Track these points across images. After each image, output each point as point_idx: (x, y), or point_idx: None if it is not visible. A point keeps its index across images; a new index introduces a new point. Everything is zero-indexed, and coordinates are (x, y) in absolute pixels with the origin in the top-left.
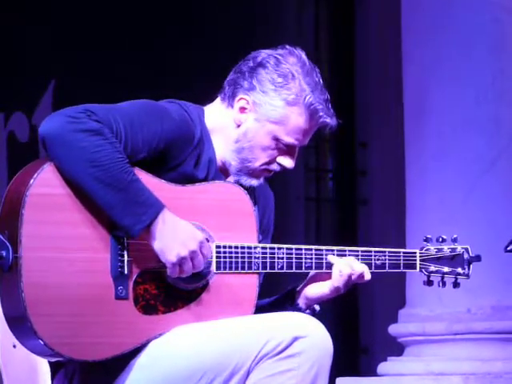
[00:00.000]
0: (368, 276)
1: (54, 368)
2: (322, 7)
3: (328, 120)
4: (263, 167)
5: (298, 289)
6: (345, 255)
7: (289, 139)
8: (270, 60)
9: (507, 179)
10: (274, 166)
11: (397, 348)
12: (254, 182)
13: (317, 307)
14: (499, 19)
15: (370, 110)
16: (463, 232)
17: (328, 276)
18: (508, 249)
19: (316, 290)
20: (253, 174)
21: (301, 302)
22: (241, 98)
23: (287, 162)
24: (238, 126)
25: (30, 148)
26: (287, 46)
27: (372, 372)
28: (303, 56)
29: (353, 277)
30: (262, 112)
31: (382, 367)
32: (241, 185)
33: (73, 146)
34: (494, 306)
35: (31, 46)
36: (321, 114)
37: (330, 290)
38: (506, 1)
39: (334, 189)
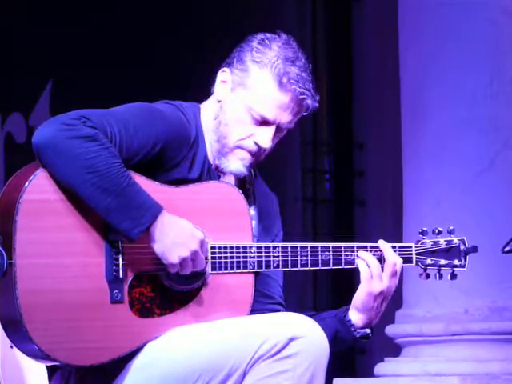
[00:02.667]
0: (395, 259)
1: (51, 369)
2: (319, 8)
3: (301, 90)
4: (239, 143)
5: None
6: (340, 251)
7: (261, 108)
8: (256, 38)
9: (504, 180)
10: (249, 143)
11: (394, 349)
12: (234, 166)
13: (368, 330)
14: (497, 21)
15: (367, 111)
16: (460, 233)
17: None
18: (505, 250)
19: (356, 295)
20: (230, 153)
21: (353, 316)
22: (222, 71)
23: (263, 141)
24: (219, 101)
25: (27, 149)
26: (280, 33)
27: (369, 373)
28: (293, 41)
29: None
30: (236, 80)
31: (379, 368)
32: (240, 186)
33: (68, 153)
34: (491, 307)
35: (29, 46)
36: (292, 81)
37: (363, 286)
38: (503, 2)
39: (331, 190)
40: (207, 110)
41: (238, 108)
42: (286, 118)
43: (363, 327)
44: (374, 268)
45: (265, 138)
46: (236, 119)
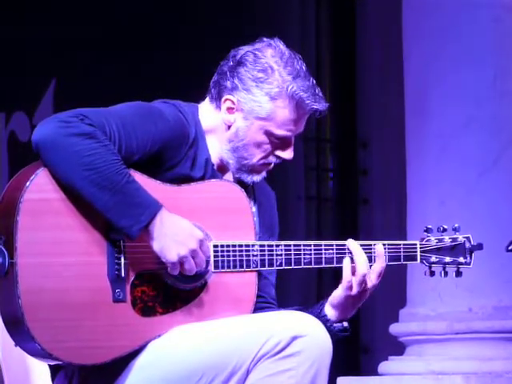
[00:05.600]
0: (363, 269)
1: (55, 368)
2: (323, 9)
3: (316, 106)
4: (261, 162)
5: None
6: (344, 249)
7: (281, 132)
8: (248, 57)
9: (508, 178)
10: (273, 159)
11: (398, 347)
12: (256, 178)
13: (345, 323)
14: (500, 18)
15: (370, 109)
16: (465, 231)
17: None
18: (509, 248)
19: (334, 292)
20: (253, 170)
21: (328, 311)
22: (226, 99)
23: (285, 154)
24: (229, 126)
25: (30, 148)
26: (264, 39)
27: (373, 371)
28: (281, 46)
29: (358, 272)
30: (248, 110)
31: (383, 366)
32: (240, 183)
33: (66, 150)
34: (495, 306)
35: (32, 45)
36: (307, 101)
37: (342, 287)
38: (506, 0)
39: (334, 188)
40: (206, 113)
41: (256, 134)
42: (301, 127)
43: (339, 321)
44: (360, 274)
45: (288, 152)
46: (255, 143)
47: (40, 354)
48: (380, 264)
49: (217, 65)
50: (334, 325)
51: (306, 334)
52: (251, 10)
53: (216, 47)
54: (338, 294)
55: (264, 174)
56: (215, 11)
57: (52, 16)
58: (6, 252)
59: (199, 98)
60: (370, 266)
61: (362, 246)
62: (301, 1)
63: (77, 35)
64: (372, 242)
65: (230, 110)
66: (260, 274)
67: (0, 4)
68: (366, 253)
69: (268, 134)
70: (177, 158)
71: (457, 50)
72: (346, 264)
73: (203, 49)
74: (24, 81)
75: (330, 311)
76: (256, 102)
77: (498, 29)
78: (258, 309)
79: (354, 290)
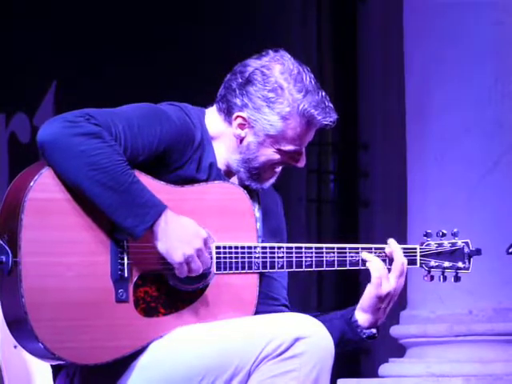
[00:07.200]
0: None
1: (56, 368)
2: (325, 11)
3: (326, 121)
4: (272, 172)
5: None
6: (345, 252)
7: (291, 147)
8: (256, 76)
9: (509, 181)
10: (282, 165)
11: (398, 349)
12: (265, 185)
13: (373, 330)
14: (502, 21)
15: (372, 112)
16: (465, 234)
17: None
18: (510, 251)
19: (363, 296)
20: (262, 178)
21: (359, 316)
22: (237, 116)
23: (297, 163)
24: (240, 140)
25: (31, 149)
26: (271, 52)
27: (373, 373)
28: (288, 60)
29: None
30: (259, 127)
31: (384, 369)
32: (245, 186)
33: (72, 150)
34: (495, 308)
35: (33, 46)
36: (318, 118)
37: (369, 289)
38: (508, 3)
39: (335, 190)
40: (213, 120)
41: (267, 149)
42: (311, 138)
43: (369, 327)
44: (382, 270)
45: (301, 161)
46: (267, 158)
47: (43, 353)
48: (399, 261)
49: (217, 66)
50: (364, 331)
51: (309, 336)
52: (252, 11)
53: (216, 48)
54: (367, 297)
55: (273, 180)
56: (215, 12)
57: (53, 17)
58: (9, 251)
59: (198, 99)
60: (389, 268)
61: (375, 249)
62: (302, 3)
63: (77, 36)
64: (382, 245)
65: (241, 125)
66: (271, 277)
67: (0, 5)
68: (379, 256)
69: (278, 148)
70: (182, 160)
71: (458, 53)
72: (372, 266)
73: (203, 49)
74: (24, 82)
75: (360, 316)
76: (267, 121)
77: (499, 32)
78: (273, 312)
79: (384, 289)
